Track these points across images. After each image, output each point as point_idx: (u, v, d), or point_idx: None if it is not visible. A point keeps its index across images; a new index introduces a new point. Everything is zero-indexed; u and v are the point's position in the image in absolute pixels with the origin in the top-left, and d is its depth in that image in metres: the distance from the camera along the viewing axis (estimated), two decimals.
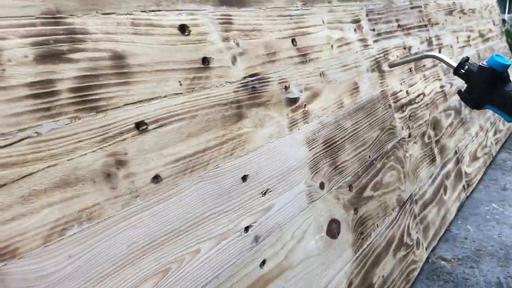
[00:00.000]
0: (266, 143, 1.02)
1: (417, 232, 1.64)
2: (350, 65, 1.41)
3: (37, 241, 0.61)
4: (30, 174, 0.62)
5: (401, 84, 1.73)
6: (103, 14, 0.75)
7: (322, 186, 1.17)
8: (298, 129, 1.13)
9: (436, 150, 1.92)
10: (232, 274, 0.88)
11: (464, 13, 2.67)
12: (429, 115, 1.92)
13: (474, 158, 2.40)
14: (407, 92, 1.76)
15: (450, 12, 2.43)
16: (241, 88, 0.99)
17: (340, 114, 1.30)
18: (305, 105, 1.17)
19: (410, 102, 1.77)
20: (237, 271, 0.89)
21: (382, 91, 1.57)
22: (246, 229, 0.93)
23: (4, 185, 0.59)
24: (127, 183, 0.73)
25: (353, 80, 1.41)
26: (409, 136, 1.71)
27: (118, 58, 0.75)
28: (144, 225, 0.74)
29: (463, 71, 1.06)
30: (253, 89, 1.02)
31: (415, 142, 1.75)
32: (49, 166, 0.64)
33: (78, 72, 0.69)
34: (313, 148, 1.16)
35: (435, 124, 1.97)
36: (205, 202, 0.86)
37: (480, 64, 1.01)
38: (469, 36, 2.67)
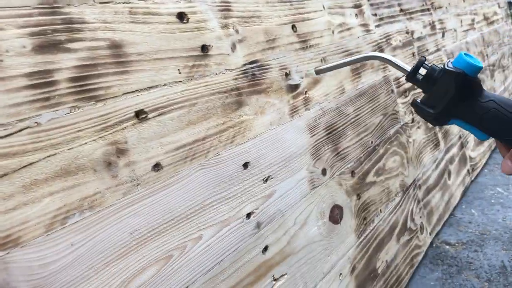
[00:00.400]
0: (267, 130, 1.02)
1: (420, 217, 1.64)
2: (352, 51, 1.40)
3: (39, 229, 0.62)
4: (31, 163, 0.62)
5: None
6: (100, 3, 0.75)
7: (324, 172, 1.17)
8: (299, 116, 1.13)
9: (440, 135, 1.92)
10: (234, 260, 0.89)
11: None
12: None
13: (479, 142, 2.38)
14: None
15: None
16: (241, 75, 0.99)
17: (341, 100, 1.30)
18: (306, 91, 1.17)
19: (413, 87, 1.76)
20: (240, 257, 0.90)
21: (385, 76, 1.56)
22: (248, 215, 0.94)
23: (5, 174, 0.60)
24: (128, 172, 0.74)
25: (355, 65, 1.40)
26: (412, 121, 1.70)
27: (116, 47, 0.76)
28: (146, 213, 0.75)
29: (421, 76, 0.80)
30: (253, 76, 1.02)
31: (418, 127, 1.74)
32: (49, 156, 0.65)
33: (77, 61, 0.70)
34: (314, 134, 1.16)
35: None
36: (206, 189, 0.86)
37: (446, 67, 0.75)
38: (473, 20, 2.64)
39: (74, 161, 0.67)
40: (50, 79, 0.66)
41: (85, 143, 0.69)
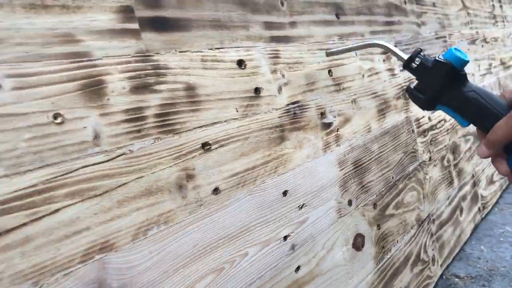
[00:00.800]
0: (303, 163, 1.16)
1: (433, 250, 1.75)
2: (378, 93, 1.55)
3: (128, 238, 0.76)
4: (124, 184, 0.77)
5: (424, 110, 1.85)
6: (180, 52, 0.90)
7: (350, 203, 1.30)
8: (331, 151, 1.27)
9: (454, 173, 2.04)
10: (273, 276, 1.02)
11: (487, 42, 2.79)
12: (449, 140, 2.04)
13: (491, 182, 2.50)
14: (429, 118, 1.88)
15: (473, 42, 2.55)
16: (285, 114, 1.13)
17: (368, 138, 1.44)
18: (337, 129, 1.31)
19: (431, 128, 1.89)
20: (277, 273, 1.03)
21: (407, 117, 1.70)
22: (285, 238, 1.07)
23: (106, 192, 0.74)
24: (194, 194, 0.88)
25: (381, 107, 1.54)
26: (430, 159, 1.83)
27: (190, 89, 0.91)
28: (206, 230, 0.89)
29: (415, 65, 0.91)
30: (294, 115, 1.16)
31: (434, 165, 1.87)
32: (138, 178, 0.79)
33: (161, 100, 0.85)
34: (343, 168, 1.30)
35: (454, 149, 2.09)
36: (252, 212, 1.00)
37: (436, 58, 0.87)
38: (490, 64, 2.78)
39: (155, 183, 0.81)
40: (141, 115, 0.81)
41: (164, 169, 0.83)
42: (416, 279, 1.59)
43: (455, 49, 0.84)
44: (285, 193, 1.09)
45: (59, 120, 0.70)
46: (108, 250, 0.73)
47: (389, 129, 1.57)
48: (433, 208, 1.80)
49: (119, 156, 0.77)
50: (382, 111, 1.55)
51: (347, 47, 1.22)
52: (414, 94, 0.92)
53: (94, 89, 0.75)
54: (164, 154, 0.84)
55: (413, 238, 1.61)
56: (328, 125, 1.28)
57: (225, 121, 0.97)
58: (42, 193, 0.66)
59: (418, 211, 1.67)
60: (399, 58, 0.99)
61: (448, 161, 2.00)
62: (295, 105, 1.17)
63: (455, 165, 2.07)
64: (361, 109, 1.44)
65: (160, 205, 0.82)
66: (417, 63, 0.91)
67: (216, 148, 0.94)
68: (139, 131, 0.80)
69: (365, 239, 1.35)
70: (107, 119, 0.76)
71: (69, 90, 0.71)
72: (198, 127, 0.91)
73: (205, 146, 0.92)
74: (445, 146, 1.99)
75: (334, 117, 1.31)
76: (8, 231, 0.62)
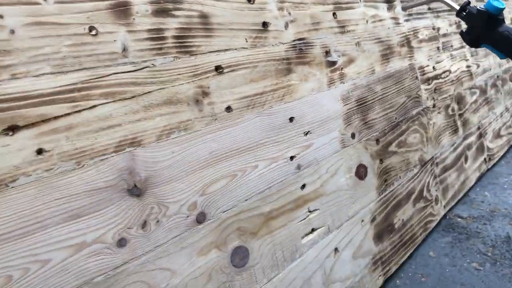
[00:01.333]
0: (309, 94, 1.27)
1: (436, 190, 1.85)
2: (382, 39, 1.64)
3: (153, 138, 0.89)
4: (149, 92, 0.89)
5: (428, 60, 1.93)
6: None
7: (353, 136, 1.41)
8: (335, 87, 1.37)
9: (459, 123, 2.12)
10: (280, 189, 1.14)
11: None
12: (454, 91, 2.12)
13: (497, 135, 2.57)
14: (433, 67, 1.97)
15: None
16: (291, 49, 1.24)
17: (371, 79, 1.54)
18: (342, 68, 1.41)
19: (436, 77, 1.97)
20: (284, 187, 1.15)
21: (410, 64, 1.79)
22: (291, 158, 1.19)
23: (133, 97, 0.87)
24: (209, 109, 1.00)
25: (384, 52, 1.64)
26: (434, 106, 1.92)
27: (204, 17, 1.02)
28: (220, 140, 1.01)
29: (464, 13, 1.20)
30: (300, 50, 1.27)
31: (439, 112, 1.96)
32: (160, 89, 0.91)
33: (178, 24, 0.96)
34: (347, 104, 1.41)
35: (459, 99, 2.16)
36: (261, 131, 1.12)
37: (478, 7, 1.15)
38: None
39: (175, 95, 0.94)
40: (162, 35, 0.93)
41: (182, 84, 0.96)
42: (418, 214, 1.70)
43: (491, 0, 1.11)
44: (291, 119, 1.21)
45: (93, 32, 0.82)
46: (137, 145, 0.86)
47: (393, 73, 1.66)
48: (437, 152, 1.89)
49: (144, 68, 0.89)
50: (386, 56, 1.65)
51: (418, 1, 1.68)
52: (464, 35, 1.22)
53: (121, 9, 0.87)
54: (182, 71, 0.96)
55: (415, 176, 1.71)
56: (333, 63, 1.38)
57: (235, 49, 1.08)
58: (81, 91, 0.79)
59: (421, 152, 1.77)
60: (452, 8, 1.29)
61: (453, 110, 2.09)
62: (301, 41, 1.28)
63: (460, 115, 2.15)
64: (365, 52, 1.53)
65: (180, 114, 0.94)
66: (466, 12, 1.20)
67: (228, 72, 1.06)
68: (160, 48, 0.92)
69: (368, 170, 1.46)
70: (133, 35, 0.88)
71: (101, 8, 0.84)
72: (211, 52, 1.03)
73: (218, 69, 1.03)
74: (449, 95, 2.07)
75: (339, 56, 1.41)
76: (55, 117, 0.75)
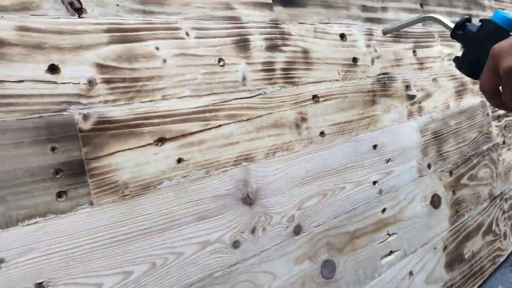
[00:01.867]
0: (390, 124, 1.37)
1: (504, 226, 1.87)
2: (457, 76, 1.72)
3: (262, 155, 1.02)
4: (260, 116, 1.03)
5: None
6: (299, 23, 1.16)
7: (429, 166, 1.49)
8: (414, 119, 1.47)
9: None
10: (364, 210, 1.23)
11: None
12: None
13: None
14: None
15: None
16: (376, 82, 1.35)
17: (446, 114, 1.62)
18: (420, 102, 1.51)
19: (506, 114, 2.01)
20: (367, 209, 1.24)
21: (482, 101, 1.85)
22: (374, 183, 1.28)
23: (249, 119, 1.00)
24: (307, 133, 1.12)
25: (458, 88, 1.71)
26: (503, 143, 1.96)
27: (305, 52, 1.15)
28: (315, 162, 1.13)
29: (461, 32, 0.87)
30: (384, 84, 1.38)
31: (508, 149, 1.99)
32: (268, 113, 1.05)
33: (285, 58, 1.10)
34: (424, 135, 1.49)
35: None
36: (349, 156, 1.22)
37: (481, 20, 0.81)
38: None
39: (280, 119, 1.07)
40: (272, 67, 1.07)
41: (286, 110, 1.08)
42: (487, 248, 1.73)
43: (501, 10, 0.78)
44: (375, 146, 1.31)
45: (221, 63, 0.97)
46: (250, 161, 0.99)
47: (466, 109, 1.73)
48: (506, 188, 1.92)
49: (258, 95, 1.03)
50: (460, 92, 1.72)
51: (402, 23, 1.30)
52: (459, 61, 0.86)
53: (242, 44, 1.02)
54: (286, 99, 1.09)
55: (485, 210, 1.75)
56: (412, 97, 1.48)
57: (329, 80, 1.21)
58: (211, 112, 0.93)
59: (490, 187, 1.81)
60: (447, 27, 0.97)
61: None
62: (385, 76, 1.39)
63: None
64: (441, 88, 1.62)
65: (284, 136, 1.07)
66: (463, 30, 0.87)
67: (322, 101, 1.18)
68: (270, 79, 1.06)
69: (441, 200, 1.52)
70: (251, 67, 1.03)
71: (228, 43, 0.99)
72: (310, 82, 1.15)
73: (315, 98, 1.16)
74: None
75: (417, 91, 1.50)
76: (191, 133, 0.90)
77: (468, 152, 1.70)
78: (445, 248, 1.51)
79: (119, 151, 0.79)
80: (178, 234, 0.85)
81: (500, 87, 0.65)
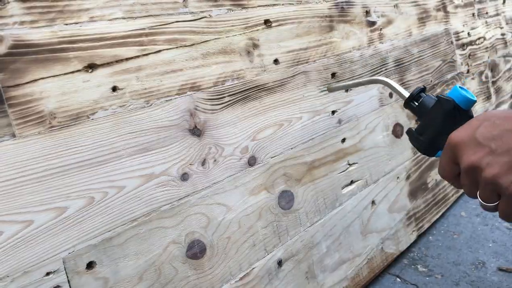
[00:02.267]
0: (349, 52, 1.32)
1: None
2: (419, 2, 1.66)
3: (209, 84, 0.95)
4: (206, 41, 0.95)
5: (463, 25, 1.94)
6: None
7: (391, 95, 1.45)
8: (375, 46, 1.41)
9: (492, 90, 2.13)
10: (322, 141, 1.20)
11: None
12: (488, 58, 2.12)
13: None
14: (468, 33, 1.97)
15: None
16: (333, 7, 1.28)
17: (408, 41, 1.57)
18: (381, 28, 1.45)
19: (470, 43, 1.98)
20: (326, 139, 1.21)
21: (446, 28, 1.81)
22: (333, 112, 1.24)
23: (193, 44, 0.93)
24: (259, 60, 1.06)
25: (421, 15, 1.66)
26: (468, 72, 1.94)
27: None
28: (269, 89, 1.07)
29: (416, 104, 0.81)
30: (342, 9, 1.31)
31: (472, 78, 1.97)
32: (216, 38, 0.97)
33: None
34: (385, 64, 1.44)
35: (493, 67, 2.17)
36: (305, 86, 1.17)
37: (440, 96, 0.75)
38: None
39: (229, 45, 1.00)
40: None
41: (235, 35, 1.01)
42: None
43: (460, 87, 0.72)
44: (333, 75, 1.25)
45: None
46: (196, 90, 0.93)
47: (429, 37, 1.68)
48: None
49: (202, 18, 0.95)
50: (422, 19, 1.67)
51: (349, 82, 1.20)
52: (414, 136, 0.79)
53: None
54: (236, 23, 1.01)
55: None
56: (372, 23, 1.42)
57: (283, 4, 1.13)
58: (148, 36, 0.86)
59: None
60: (400, 95, 0.90)
61: (487, 77, 2.10)
62: (343, 0, 1.31)
63: (493, 82, 2.16)
64: (403, 14, 1.56)
65: (233, 63, 1.00)
66: (418, 102, 0.80)
67: (276, 26, 1.11)
68: (215, 0, 0.98)
69: (404, 129, 1.50)
70: None
71: None
72: (261, 6, 1.08)
73: (267, 23, 1.09)
74: (483, 62, 2.07)
75: (378, 17, 1.44)
76: (126, 59, 0.82)
77: (431, 81, 1.67)
78: (408, 177, 1.51)
79: (42, 78, 0.72)
80: (118, 167, 0.79)
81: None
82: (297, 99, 1.14)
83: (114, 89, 0.80)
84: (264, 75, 1.06)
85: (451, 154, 0.62)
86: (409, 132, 0.80)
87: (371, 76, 1.36)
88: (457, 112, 0.71)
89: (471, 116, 0.71)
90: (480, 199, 0.59)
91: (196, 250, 0.89)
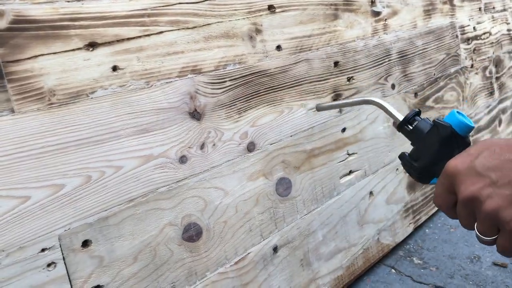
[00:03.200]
0: (353, 41, 1.31)
1: None
2: None
3: (211, 67, 0.95)
4: (209, 24, 0.95)
5: (469, 20, 1.93)
6: None
7: (393, 86, 1.45)
8: (379, 37, 1.40)
9: (495, 85, 2.12)
10: (322, 129, 1.19)
11: None
12: (493, 53, 2.11)
13: None
14: (474, 28, 1.96)
15: None
16: None
17: (413, 33, 1.55)
18: (386, 19, 1.44)
19: (475, 37, 1.97)
20: (326, 128, 1.21)
21: (451, 22, 1.79)
22: (335, 101, 1.24)
23: (195, 27, 0.92)
24: (262, 46, 1.05)
25: (427, 7, 1.64)
26: (472, 66, 1.92)
27: None
28: (270, 75, 1.07)
29: (411, 127, 0.76)
30: None
31: (476, 73, 1.96)
32: (219, 22, 0.97)
33: None
34: (389, 55, 1.43)
35: (498, 62, 2.15)
36: (307, 74, 1.16)
37: (436, 120, 0.71)
38: None
39: (232, 29, 0.99)
40: None
41: (238, 19, 1.01)
42: None
43: (457, 112, 0.69)
44: (336, 63, 1.25)
45: None
46: (197, 73, 0.92)
47: (434, 29, 1.67)
48: (472, 112, 1.91)
49: (205, 0, 0.94)
50: (428, 11, 1.65)
51: (339, 102, 1.19)
52: (407, 161, 0.74)
53: None
54: (239, 7, 1.01)
55: None
56: (377, 13, 1.41)
57: None
58: (150, 16, 0.85)
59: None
60: (394, 118, 0.85)
61: (490, 72, 2.08)
62: None
63: (497, 78, 2.14)
64: (409, 6, 1.55)
65: (235, 48, 0.99)
66: (413, 126, 0.76)
67: (280, 12, 1.10)
68: None
69: None
70: None
71: None
72: None
73: (271, 8, 1.08)
74: (488, 57, 2.06)
75: (383, 7, 1.43)
76: (128, 39, 0.82)
77: (434, 74, 1.66)
78: None
79: (42, 55, 0.71)
80: (116, 147, 0.79)
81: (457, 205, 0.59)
82: (297, 85, 1.13)
83: (115, 68, 0.80)
84: (266, 61, 1.06)
85: (447, 183, 0.59)
86: (402, 156, 0.76)
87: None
88: (454, 138, 0.68)
89: (468, 143, 0.68)
90: (477, 232, 0.56)
91: (192, 233, 0.89)
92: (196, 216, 0.90)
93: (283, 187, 1.08)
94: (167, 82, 0.87)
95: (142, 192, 0.82)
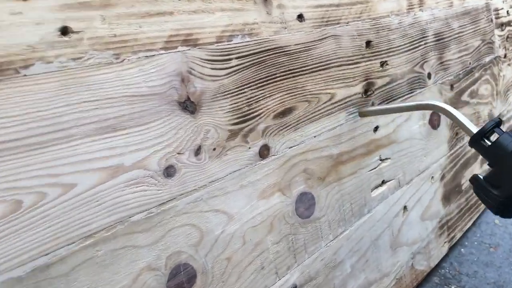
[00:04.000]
0: (387, 17, 1.03)
1: None
2: None
3: (212, 39, 0.66)
4: None
5: (503, 2, 1.67)
6: None
7: (429, 76, 1.18)
8: (414, 14, 1.13)
9: None
10: (351, 128, 0.92)
11: None
12: None
13: None
14: (507, 12, 1.70)
15: None
16: None
17: (449, 13, 1.29)
18: None
19: (509, 23, 1.71)
20: (356, 126, 0.93)
21: (487, 3, 1.53)
22: (366, 91, 0.96)
23: None
24: (279, 13, 0.77)
25: None
26: (505, 56, 1.67)
27: None
28: (289, 53, 0.79)
29: (488, 143, 0.58)
30: None
31: (509, 64, 1.70)
32: None
33: None
34: (425, 36, 1.16)
35: None
36: (335, 53, 0.89)
37: None
38: None
39: None
40: None
41: None
42: None
43: None
44: (368, 43, 0.97)
45: None
46: (192, 45, 0.64)
47: (470, 10, 1.41)
48: (504, 109, 1.66)
49: None
50: None
51: (388, 106, 0.94)
52: (482, 187, 0.57)
53: None
54: None
55: None
56: None
57: None
58: None
59: (490, 106, 1.53)
60: (464, 129, 0.64)
61: None
62: None
63: None
64: None
65: (245, 13, 0.71)
66: (492, 141, 0.58)
67: None
68: None
69: (441, 119, 1.23)
70: None
71: None
72: None
73: None
74: None
75: None
76: None
77: (470, 63, 1.39)
78: (442, 177, 1.24)
79: None
80: (66, 154, 0.50)
81: None
82: (324, 71, 0.86)
83: (65, 31, 0.51)
84: (284, 34, 0.78)
85: None
86: (475, 180, 0.58)
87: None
88: None
89: None
90: None
91: (182, 279, 0.61)
92: (187, 253, 0.62)
93: (305, 205, 0.81)
94: (147, 56, 0.58)
95: (106, 222, 0.53)
